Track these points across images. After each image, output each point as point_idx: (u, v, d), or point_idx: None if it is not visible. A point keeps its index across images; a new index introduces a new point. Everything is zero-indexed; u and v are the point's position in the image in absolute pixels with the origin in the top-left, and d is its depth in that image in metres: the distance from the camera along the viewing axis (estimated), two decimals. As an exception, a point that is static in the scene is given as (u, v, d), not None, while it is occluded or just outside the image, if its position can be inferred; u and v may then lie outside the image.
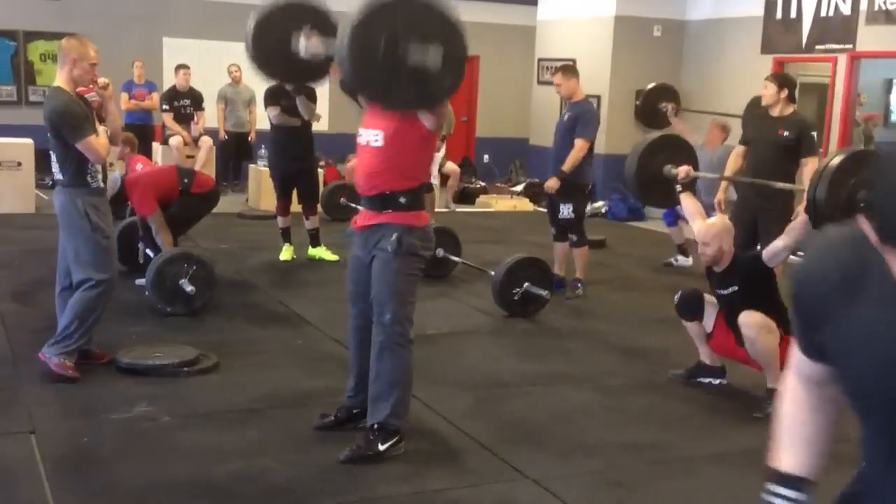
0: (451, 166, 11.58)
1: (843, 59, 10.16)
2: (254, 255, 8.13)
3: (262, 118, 9.38)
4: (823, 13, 10.28)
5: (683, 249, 8.45)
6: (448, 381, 4.93)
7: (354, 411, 4.08)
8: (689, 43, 12.32)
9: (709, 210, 6.26)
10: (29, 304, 6.19)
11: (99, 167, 4.68)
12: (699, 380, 5.06)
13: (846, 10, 10.02)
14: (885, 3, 9.58)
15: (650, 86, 10.87)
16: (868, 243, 1.38)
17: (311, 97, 7.81)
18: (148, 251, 6.59)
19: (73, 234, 4.67)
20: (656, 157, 5.59)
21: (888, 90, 12.71)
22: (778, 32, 10.87)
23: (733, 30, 11.58)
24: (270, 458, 3.86)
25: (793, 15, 10.64)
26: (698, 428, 4.52)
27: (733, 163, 6.97)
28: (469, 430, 4.24)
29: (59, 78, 4.63)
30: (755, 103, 7.11)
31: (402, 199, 3.83)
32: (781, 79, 6.68)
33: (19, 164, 9.79)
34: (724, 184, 7.11)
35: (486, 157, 14.85)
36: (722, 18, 11.79)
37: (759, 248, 5.08)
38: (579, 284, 7.08)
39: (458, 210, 11.38)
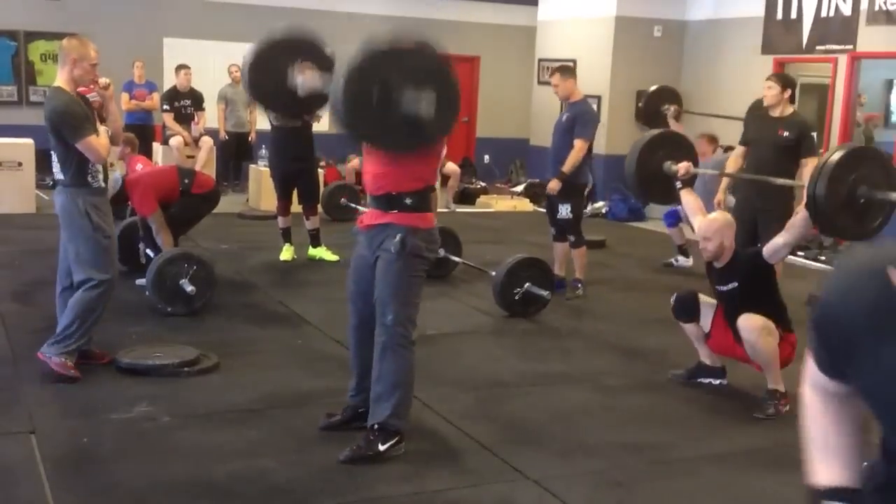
0: (452, 166, 11.59)
1: (843, 60, 10.16)
2: (254, 256, 8.13)
3: (263, 118, 9.39)
4: (824, 14, 10.28)
5: (684, 250, 8.45)
6: (448, 382, 4.94)
7: (360, 410, 4.07)
8: (689, 43, 12.32)
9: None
10: (29, 304, 6.19)
11: (100, 167, 4.68)
12: (699, 380, 5.06)
13: (846, 10, 10.02)
14: (885, 3, 9.58)
15: (653, 88, 10.87)
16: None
17: (312, 97, 7.81)
18: (148, 251, 6.59)
19: (73, 234, 4.67)
20: (656, 153, 5.58)
21: (889, 91, 12.71)
22: (778, 33, 10.87)
23: (734, 30, 11.58)
24: (270, 458, 3.86)
25: (793, 15, 10.64)
26: (698, 428, 4.52)
27: (733, 163, 6.98)
28: (469, 431, 4.24)
29: (60, 78, 4.63)
30: (758, 106, 7.11)
31: (408, 200, 3.82)
32: (785, 79, 6.70)
33: (20, 164, 9.79)
34: (722, 186, 7.11)
35: (486, 157, 14.85)
36: (722, 19, 11.80)
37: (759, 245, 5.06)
38: (579, 285, 7.09)
39: (458, 210, 11.38)
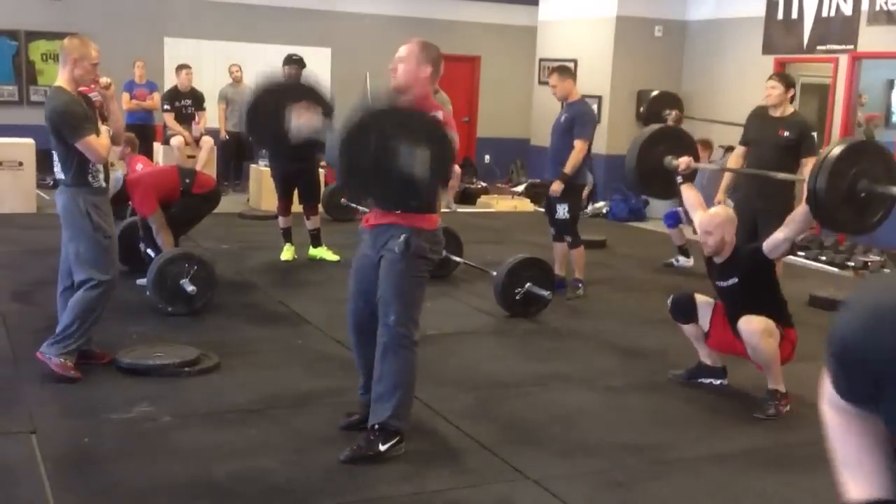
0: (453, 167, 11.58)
1: (844, 60, 10.16)
2: (255, 256, 8.13)
3: (263, 118, 9.39)
4: (825, 14, 10.28)
5: (684, 250, 8.45)
6: (449, 382, 4.93)
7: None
8: (690, 43, 12.32)
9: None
10: (30, 304, 6.19)
11: (100, 167, 4.68)
12: (699, 380, 5.05)
13: (847, 10, 10.02)
14: (886, 3, 9.58)
15: (654, 93, 10.88)
16: None
17: (312, 97, 7.82)
18: (149, 251, 6.59)
19: (74, 233, 4.67)
20: (657, 148, 5.57)
21: (890, 91, 12.70)
22: (779, 33, 10.87)
23: (734, 30, 11.59)
24: (271, 458, 3.87)
25: (794, 15, 10.64)
26: (699, 428, 4.51)
27: (734, 164, 6.97)
28: (469, 431, 4.24)
29: (61, 78, 4.63)
30: (759, 111, 7.11)
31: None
32: (788, 79, 6.72)
33: (20, 163, 9.80)
34: (722, 187, 7.11)
35: (487, 157, 14.85)
36: (723, 19, 11.80)
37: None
38: (580, 285, 7.09)
39: (459, 210, 11.38)
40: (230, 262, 7.61)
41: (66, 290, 4.81)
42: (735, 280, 4.71)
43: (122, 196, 6.40)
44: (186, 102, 11.21)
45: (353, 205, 9.28)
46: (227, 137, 11.86)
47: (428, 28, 13.11)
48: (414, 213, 3.81)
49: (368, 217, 4.02)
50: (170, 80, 11.76)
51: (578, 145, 6.84)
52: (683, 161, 5.36)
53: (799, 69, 11.26)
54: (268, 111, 4.39)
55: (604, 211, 11.84)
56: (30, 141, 9.80)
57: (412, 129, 3.53)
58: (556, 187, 6.90)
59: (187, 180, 6.80)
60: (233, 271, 7.39)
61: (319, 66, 13.02)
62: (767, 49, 11.00)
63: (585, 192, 11.84)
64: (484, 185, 13.08)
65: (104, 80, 4.84)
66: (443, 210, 10.52)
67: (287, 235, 7.97)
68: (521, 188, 13.28)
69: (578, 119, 6.91)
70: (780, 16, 10.82)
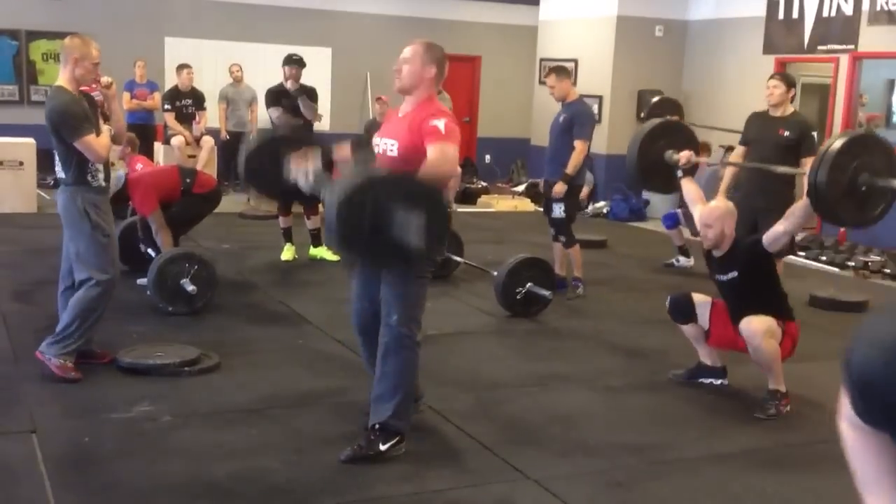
0: (453, 166, 11.57)
1: (845, 60, 10.17)
2: (255, 255, 8.13)
3: (264, 118, 9.41)
4: (825, 14, 10.28)
5: (684, 250, 8.46)
6: (449, 381, 4.93)
7: None
8: (690, 43, 12.32)
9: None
10: (31, 303, 6.20)
11: (100, 166, 4.67)
12: (700, 380, 5.05)
13: (848, 10, 10.02)
14: (887, 3, 9.58)
15: (654, 99, 10.86)
16: None
17: (313, 97, 7.83)
18: (149, 251, 6.59)
19: (74, 233, 4.67)
20: (657, 142, 5.55)
21: (890, 91, 12.70)
22: (780, 33, 10.87)
23: (735, 30, 11.59)
24: (271, 457, 3.86)
25: (795, 15, 10.64)
26: (699, 428, 4.51)
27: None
28: (470, 430, 4.24)
29: (62, 77, 4.63)
30: (759, 114, 7.11)
31: None
32: (789, 79, 6.72)
33: (21, 163, 9.80)
34: (722, 187, 7.11)
35: (487, 157, 14.86)
36: (724, 19, 11.80)
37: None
38: (579, 284, 7.08)
39: (459, 210, 11.37)
40: (231, 262, 7.62)
41: (68, 290, 4.81)
42: (735, 274, 4.71)
43: (122, 195, 6.41)
44: (187, 102, 11.20)
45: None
46: (228, 137, 11.86)
47: (429, 28, 13.11)
48: None
49: None
50: (170, 80, 11.76)
51: (579, 146, 6.84)
52: (684, 155, 5.35)
53: (799, 69, 11.26)
54: (266, 160, 4.38)
55: (604, 211, 11.84)
56: (30, 140, 9.80)
57: (408, 195, 3.51)
58: (560, 188, 6.90)
59: (188, 180, 6.81)
60: (233, 271, 7.39)
61: (320, 66, 13.05)
62: (768, 49, 11.00)
63: (586, 192, 11.90)
64: (484, 184, 13.09)
65: (105, 79, 4.84)
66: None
67: (287, 235, 7.97)
68: (521, 188, 13.28)
69: (578, 119, 6.91)
70: (781, 16, 10.82)
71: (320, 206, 8.28)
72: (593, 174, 12.22)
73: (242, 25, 12.99)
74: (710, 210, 4.75)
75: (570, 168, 6.84)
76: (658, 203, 11.48)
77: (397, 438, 3.86)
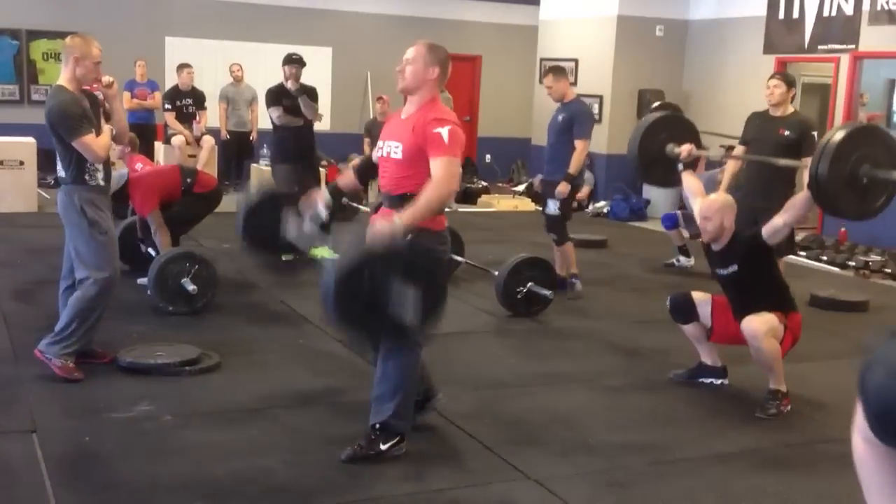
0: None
1: (845, 60, 10.17)
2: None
3: (264, 117, 9.41)
4: (826, 13, 10.28)
5: (685, 250, 8.45)
6: (450, 381, 4.92)
7: (418, 398, 4.09)
8: (691, 43, 12.32)
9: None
10: (31, 302, 6.20)
11: (99, 166, 4.66)
12: (700, 380, 5.05)
13: (849, 10, 10.02)
14: (887, 3, 9.57)
15: (655, 104, 10.86)
16: None
17: (313, 97, 7.83)
18: (150, 250, 6.59)
19: (73, 232, 4.67)
20: (658, 136, 5.53)
21: (891, 90, 12.69)
22: (780, 32, 10.87)
23: (736, 30, 11.59)
24: (271, 457, 3.86)
25: (795, 15, 10.64)
26: (699, 428, 4.51)
27: (733, 163, 6.98)
28: (470, 430, 4.24)
29: (63, 76, 4.63)
30: (759, 114, 7.10)
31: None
32: (789, 78, 6.73)
33: (21, 162, 9.81)
34: (723, 186, 7.10)
35: (487, 156, 14.86)
36: (724, 18, 11.80)
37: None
38: (576, 281, 7.06)
39: (460, 210, 11.37)
40: (231, 262, 7.61)
41: (69, 289, 4.80)
42: (735, 267, 4.70)
43: (122, 194, 6.40)
44: (187, 102, 11.21)
45: (355, 204, 9.29)
46: (228, 137, 11.87)
47: (429, 27, 13.12)
48: None
49: (375, 216, 4.03)
50: (171, 80, 11.76)
51: (580, 145, 6.84)
52: (685, 149, 5.33)
53: (800, 69, 11.26)
54: (266, 218, 4.38)
55: (605, 210, 11.84)
56: (31, 140, 9.80)
57: (406, 271, 3.49)
58: (563, 188, 6.89)
59: (189, 180, 6.81)
60: (234, 270, 7.38)
61: (320, 66, 13.05)
62: (768, 49, 11.00)
63: (586, 191, 11.93)
64: (485, 184, 13.09)
65: (106, 78, 4.83)
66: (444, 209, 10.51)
67: (288, 235, 7.96)
68: (522, 187, 13.28)
69: (578, 119, 6.91)
70: (782, 15, 10.82)
71: (314, 192, 8.27)
72: (593, 174, 12.24)
73: (243, 25, 13.00)
74: (709, 203, 4.74)
75: (573, 168, 6.84)
76: (659, 203, 11.48)
77: (398, 438, 3.86)
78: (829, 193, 4.45)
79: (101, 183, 4.71)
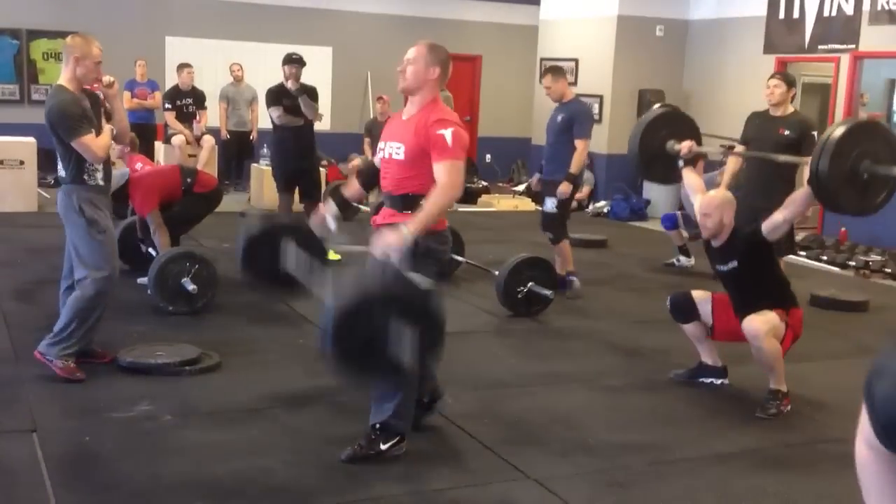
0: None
1: (846, 59, 10.17)
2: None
3: (264, 117, 9.41)
4: (826, 13, 10.28)
5: (685, 250, 8.45)
6: (450, 381, 4.91)
7: (424, 400, 4.10)
8: (691, 43, 12.32)
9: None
10: (31, 302, 6.20)
11: (98, 165, 4.66)
12: (700, 380, 5.05)
13: (849, 10, 10.02)
14: (888, 2, 9.57)
15: (655, 106, 10.85)
16: None
17: (313, 96, 7.83)
18: (150, 250, 6.59)
19: (71, 231, 4.67)
20: (659, 132, 5.52)
21: (891, 90, 12.70)
22: (780, 32, 10.87)
23: (736, 30, 11.58)
24: (272, 457, 3.87)
25: (795, 15, 10.64)
26: (699, 428, 4.51)
27: (732, 163, 6.98)
28: (470, 430, 4.24)
29: (63, 76, 4.62)
30: (758, 113, 7.10)
31: (423, 202, 3.82)
32: (789, 78, 6.73)
33: (21, 162, 9.81)
34: (722, 186, 7.10)
35: (488, 156, 14.86)
36: (724, 18, 11.80)
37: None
38: (573, 278, 7.05)
39: (460, 209, 11.37)
40: (231, 261, 7.57)
41: (69, 289, 4.79)
42: (735, 263, 4.70)
43: (122, 193, 6.39)
44: (187, 101, 11.21)
45: (356, 204, 9.29)
46: (228, 136, 11.87)
47: (429, 27, 13.12)
48: None
49: (376, 218, 4.04)
50: (171, 79, 11.76)
51: (581, 145, 6.85)
52: (685, 145, 5.32)
53: (800, 69, 11.26)
54: (266, 250, 4.39)
55: (605, 210, 11.83)
56: (31, 140, 9.80)
57: (405, 313, 3.47)
58: (565, 188, 6.89)
59: (189, 180, 6.80)
60: (234, 270, 7.34)
61: (320, 66, 13.05)
62: (769, 48, 11.00)
63: (586, 191, 11.93)
64: (485, 184, 13.09)
65: (107, 78, 4.83)
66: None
67: (288, 234, 7.96)
68: (522, 187, 13.27)
69: (578, 118, 6.91)
70: (782, 15, 10.82)
71: (321, 206, 8.30)
72: (593, 174, 12.24)
73: (243, 25, 13.00)
74: (708, 199, 4.74)
75: (575, 167, 6.85)
76: (659, 203, 11.48)
77: (398, 438, 3.86)
78: (829, 189, 4.44)
79: (101, 182, 4.70)
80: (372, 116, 12.37)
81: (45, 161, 8.83)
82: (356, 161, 11.64)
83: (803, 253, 9.11)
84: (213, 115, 11.67)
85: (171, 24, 12.77)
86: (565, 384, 5.09)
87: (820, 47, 10.40)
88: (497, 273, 6.45)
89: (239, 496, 3.54)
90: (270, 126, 8.09)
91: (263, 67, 11.42)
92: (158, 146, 11.30)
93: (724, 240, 4.73)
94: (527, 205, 12.09)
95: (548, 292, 6.34)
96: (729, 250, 4.72)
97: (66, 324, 4.64)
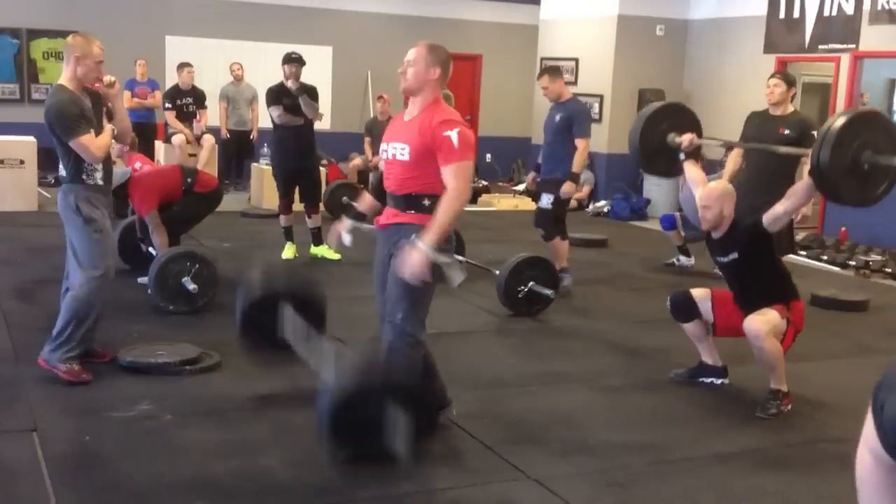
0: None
1: (846, 59, 10.17)
2: (256, 254, 8.12)
3: (264, 116, 9.41)
4: (826, 13, 10.28)
5: (685, 250, 8.45)
6: (450, 381, 4.90)
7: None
8: (691, 42, 12.32)
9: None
10: (31, 302, 6.20)
11: (98, 165, 4.65)
12: (701, 380, 5.05)
13: (849, 9, 10.02)
14: (888, 2, 9.57)
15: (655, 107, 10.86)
16: None
17: (313, 96, 7.83)
18: (150, 249, 6.59)
19: (69, 230, 4.66)
20: (660, 126, 5.51)
21: (891, 90, 12.71)
22: (781, 32, 10.87)
23: (736, 29, 11.58)
24: (272, 456, 3.87)
25: (796, 14, 10.64)
26: (699, 428, 4.51)
27: (732, 162, 6.99)
28: (471, 430, 4.24)
29: (64, 75, 4.62)
30: (757, 113, 7.10)
31: (426, 202, 3.81)
32: (790, 78, 6.73)
33: (22, 161, 9.81)
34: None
35: (488, 156, 14.85)
36: (725, 18, 11.80)
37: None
38: (565, 275, 7.02)
39: (460, 209, 11.37)
40: (232, 261, 7.61)
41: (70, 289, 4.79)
42: (735, 255, 4.70)
43: (122, 192, 6.38)
44: (188, 101, 11.21)
45: (355, 203, 9.30)
46: (229, 136, 11.88)
47: (429, 27, 13.13)
48: (425, 213, 3.81)
49: (380, 217, 4.04)
50: (171, 79, 11.77)
51: (582, 144, 6.86)
52: (686, 138, 5.30)
53: (800, 68, 11.26)
54: (265, 316, 4.40)
55: (605, 210, 11.83)
56: (31, 139, 9.81)
57: (401, 399, 3.49)
58: (569, 188, 6.90)
59: (189, 179, 6.80)
60: (234, 270, 7.38)
61: (320, 65, 13.05)
62: (769, 48, 11.00)
63: (586, 191, 11.93)
64: (485, 183, 13.09)
65: (108, 78, 4.82)
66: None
67: (288, 234, 7.97)
68: (522, 187, 13.27)
69: (577, 118, 6.92)
70: (782, 15, 10.82)
71: (321, 206, 8.32)
72: (593, 173, 12.24)
73: (243, 24, 13.00)
74: (708, 191, 4.75)
75: (576, 167, 6.86)
76: (659, 202, 11.49)
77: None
78: (830, 180, 4.43)
79: (100, 182, 4.69)
80: (372, 116, 12.37)
81: (46, 160, 8.84)
82: (356, 160, 11.65)
83: (803, 252, 9.11)
84: (213, 114, 11.68)
85: (171, 23, 12.77)
86: (565, 384, 5.09)
87: (820, 47, 10.40)
88: (498, 273, 6.45)
89: (239, 496, 3.54)
90: (270, 125, 8.10)
91: (263, 67, 11.43)
92: (158, 145, 11.31)
93: (724, 231, 4.73)
94: (527, 204, 12.08)
95: (548, 292, 6.35)
96: (729, 242, 4.73)
97: (64, 326, 4.62)
